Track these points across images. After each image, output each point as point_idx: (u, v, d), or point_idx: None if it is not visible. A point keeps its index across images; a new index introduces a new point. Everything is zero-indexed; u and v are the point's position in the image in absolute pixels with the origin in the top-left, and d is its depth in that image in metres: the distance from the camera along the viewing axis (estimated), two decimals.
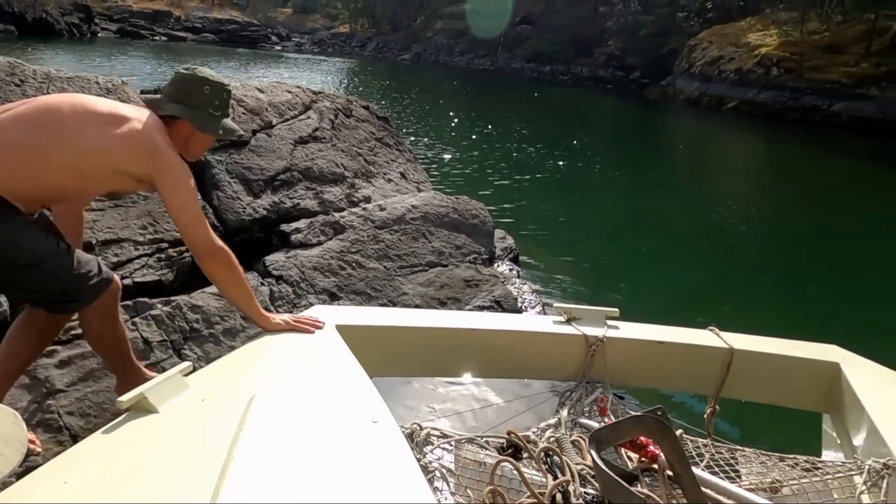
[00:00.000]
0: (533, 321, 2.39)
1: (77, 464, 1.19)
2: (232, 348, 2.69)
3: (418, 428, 1.70)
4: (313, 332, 1.86)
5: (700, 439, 1.98)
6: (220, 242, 1.84)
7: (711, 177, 13.46)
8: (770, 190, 12.87)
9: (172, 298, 2.93)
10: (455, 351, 2.15)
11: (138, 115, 1.87)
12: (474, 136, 14.44)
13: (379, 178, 4.95)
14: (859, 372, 2.06)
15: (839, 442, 2.02)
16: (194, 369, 1.56)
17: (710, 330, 2.26)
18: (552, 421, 1.94)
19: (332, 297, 3.40)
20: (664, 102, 31.06)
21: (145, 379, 1.79)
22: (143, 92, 2.07)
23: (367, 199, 4.51)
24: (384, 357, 2.06)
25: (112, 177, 1.87)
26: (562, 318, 2.24)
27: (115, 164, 1.83)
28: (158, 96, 2.00)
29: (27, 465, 1.73)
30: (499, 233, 5.08)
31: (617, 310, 2.26)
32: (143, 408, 1.36)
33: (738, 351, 2.13)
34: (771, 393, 2.22)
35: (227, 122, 2.03)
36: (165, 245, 3.27)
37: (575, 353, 2.15)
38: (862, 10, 26.57)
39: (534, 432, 1.87)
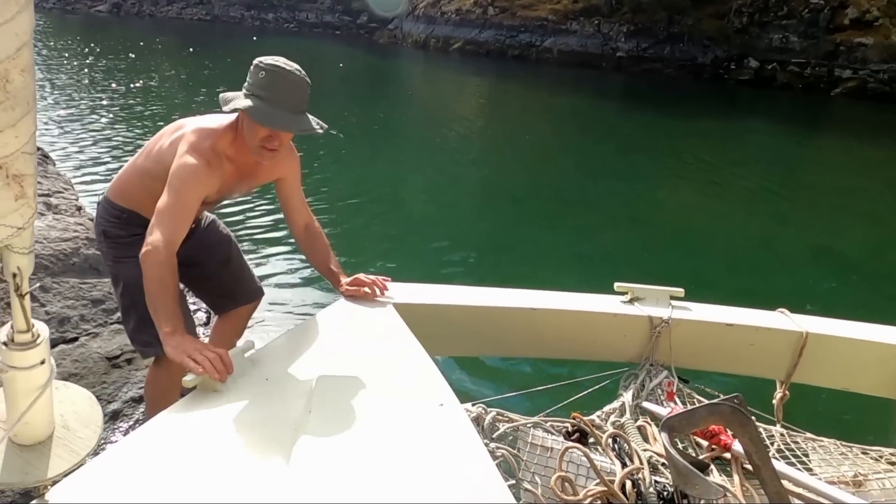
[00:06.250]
0: (595, 301, 2.22)
1: (149, 441, 1.21)
2: None
3: (483, 412, 1.70)
4: (372, 311, 1.85)
5: (770, 427, 1.94)
6: (158, 247, 1.66)
7: (448, 123, 13.20)
8: (495, 126, 13.32)
9: None
10: (515, 330, 2.11)
11: (198, 124, 1.93)
12: (182, 101, 12.09)
13: None
14: None
15: None
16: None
17: (781, 312, 2.20)
18: (616, 405, 1.93)
19: None
20: (394, 47, 30.84)
21: None
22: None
23: None
24: (444, 336, 2.01)
25: None
26: (624, 298, 2.20)
27: None
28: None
29: None
30: None
31: (682, 290, 2.19)
32: (208, 387, 1.37)
33: (812, 334, 2.08)
34: (846, 378, 2.17)
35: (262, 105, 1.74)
36: None
37: (638, 334, 2.11)
38: None
39: (598, 416, 1.87)
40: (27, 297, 1.10)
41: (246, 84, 1.78)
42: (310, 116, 1.81)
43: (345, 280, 1.95)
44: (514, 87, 20.20)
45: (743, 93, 20.52)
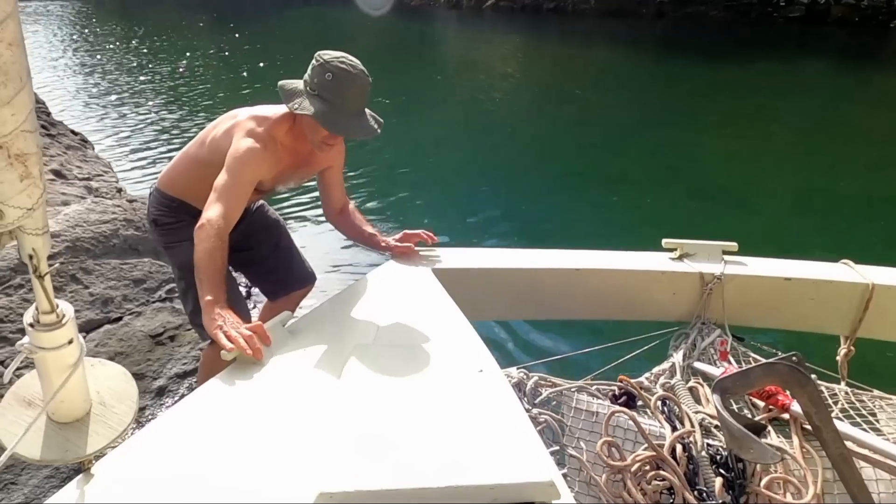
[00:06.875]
0: (642, 259, 2.15)
1: (187, 415, 1.24)
2: None
3: (525, 377, 1.67)
4: (410, 276, 1.86)
5: (833, 385, 1.85)
6: (212, 221, 1.68)
7: (483, 84, 12.90)
8: (531, 85, 12.88)
9: None
10: (558, 292, 2.04)
11: (253, 112, 1.95)
12: (226, 81, 12.07)
13: None
14: None
15: None
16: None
17: (844, 263, 2.12)
18: (665, 366, 1.88)
19: None
20: (426, 8, 30.20)
21: None
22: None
23: None
24: (484, 300, 1.98)
25: None
26: (673, 255, 2.14)
27: None
28: None
29: None
30: None
31: (735, 244, 2.12)
32: (247, 360, 1.39)
33: (879, 286, 1.97)
34: None
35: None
36: None
37: (688, 291, 2.04)
38: None
39: (647, 378, 1.82)
40: (47, 278, 1.08)
41: (309, 81, 1.79)
42: (368, 113, 1.85)
43: (391, 239, 2.03)
44: (550, 44, 19.55)
45: (794, 31, 19.44)
